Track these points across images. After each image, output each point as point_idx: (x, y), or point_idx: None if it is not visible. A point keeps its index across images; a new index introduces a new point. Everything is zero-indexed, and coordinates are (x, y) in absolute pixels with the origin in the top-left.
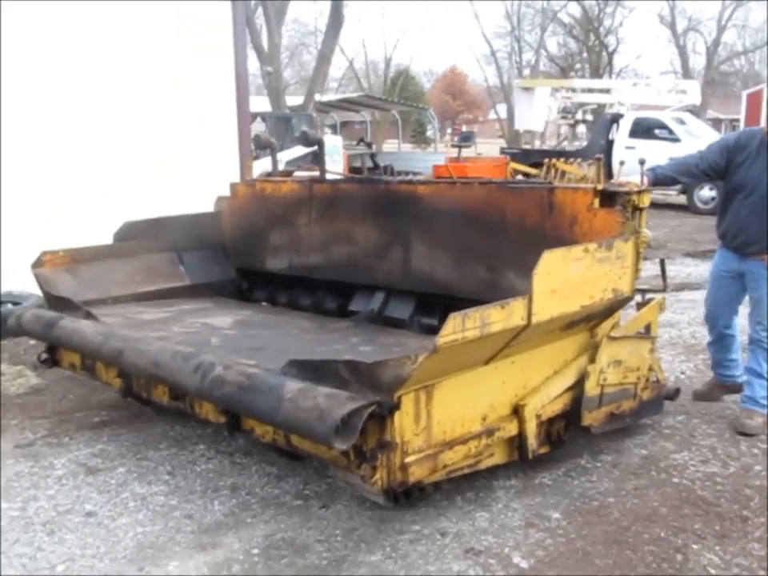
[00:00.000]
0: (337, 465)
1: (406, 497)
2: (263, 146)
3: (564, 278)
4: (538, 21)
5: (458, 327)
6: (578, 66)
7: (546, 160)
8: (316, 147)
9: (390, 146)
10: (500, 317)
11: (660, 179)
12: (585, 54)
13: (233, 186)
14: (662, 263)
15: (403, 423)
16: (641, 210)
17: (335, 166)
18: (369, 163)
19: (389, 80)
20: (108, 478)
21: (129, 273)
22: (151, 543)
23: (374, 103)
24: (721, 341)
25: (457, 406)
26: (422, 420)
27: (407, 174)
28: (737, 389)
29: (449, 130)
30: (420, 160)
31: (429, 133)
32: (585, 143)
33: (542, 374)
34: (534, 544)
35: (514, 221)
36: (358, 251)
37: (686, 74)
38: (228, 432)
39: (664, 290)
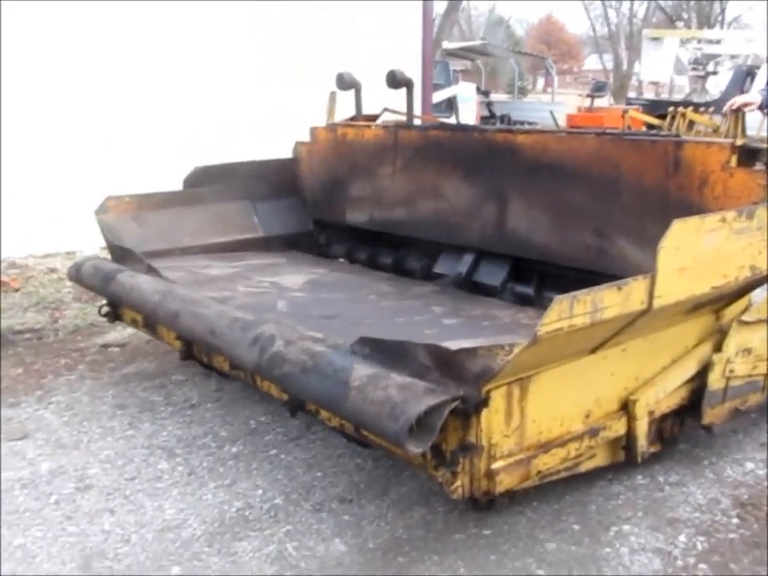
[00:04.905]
0: (411, 463)
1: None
2: (347, 86)
3: (695, 254)
4: None
5: (565, 313)
6: (685, 15)
7: (672, 109)
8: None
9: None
10: (615, 300)
11: None
12: (692, 3)
13: (313, 130)
14: None
15: (491, 423)
16: None
17: (469, 113)
18: (485, 112)
19: (484, 29)
20: None
21: (199, 222)
22: None
23: (493, 51)
24: None
25: (556, 402)
26: (515, 419)
27: (522, 124)
28: None
29: (540, 81)
30: (535, 110)
31: (521, 83)
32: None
33: (657, 364)
34: None
35: (630, 179)
36: (446, 207)
37: None
38: (290, 413)
39: None
